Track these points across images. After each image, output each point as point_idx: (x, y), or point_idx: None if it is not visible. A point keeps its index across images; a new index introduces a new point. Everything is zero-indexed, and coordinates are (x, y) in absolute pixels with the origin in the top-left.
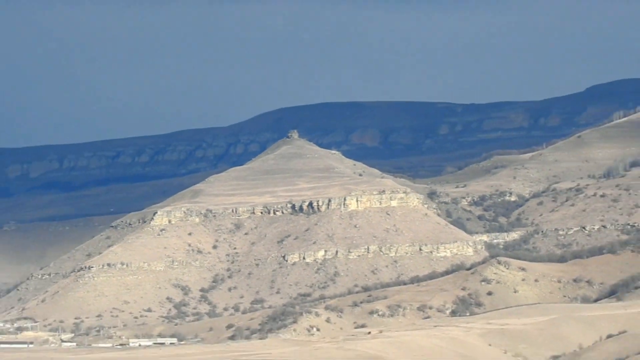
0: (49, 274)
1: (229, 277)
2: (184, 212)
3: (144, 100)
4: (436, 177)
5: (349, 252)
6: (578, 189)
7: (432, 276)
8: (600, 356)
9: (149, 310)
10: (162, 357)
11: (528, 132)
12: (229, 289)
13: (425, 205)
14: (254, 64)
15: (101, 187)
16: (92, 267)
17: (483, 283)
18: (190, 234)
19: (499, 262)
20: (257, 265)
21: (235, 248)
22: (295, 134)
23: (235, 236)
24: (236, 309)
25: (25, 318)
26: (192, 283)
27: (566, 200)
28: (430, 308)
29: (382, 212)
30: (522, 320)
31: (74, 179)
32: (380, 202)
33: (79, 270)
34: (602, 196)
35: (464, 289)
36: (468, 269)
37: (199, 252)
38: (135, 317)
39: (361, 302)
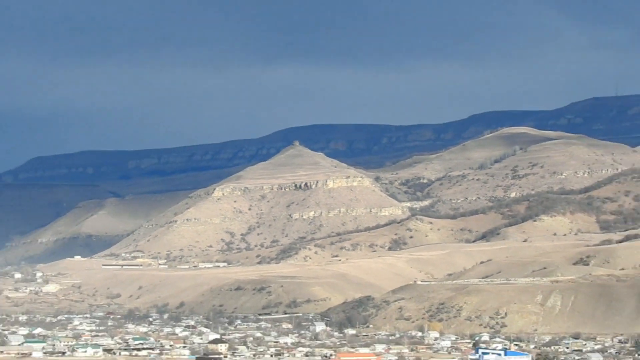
0: (152, 225)
1: (258, 227)
2: (232, 188)
3: (209, 123)
4: (380, 169)
5: (329, 212)
6: (463, 176)
7: (377, 227)
8: (476, 274)
9: (210, 246)
10: (218, 273)
11: (434, 142)
12: (258, 234)
13: (373, 185)
14: (272, 105)
15: (183, 174)
16: (177, 220)
17: (407, 231)
18: (235, 201)
19: (417, 219)
20: (274, 220)
21: (261, 210)
22: (297, 143)
23: (261, 203)
24: (262, 245)
25: (137, 251)
26: (236, 230)
27: (456, 182)
28: (376, 245)
29: (347, 188)
30: (430, 253)
31: (166, 169)
32: (347, 183)
33: (169, 223)
34: (477, 180)
35: (396, 234)
36: (398, 223)
37: (240, 212)
38: (202, 250)
39: (335, 242)
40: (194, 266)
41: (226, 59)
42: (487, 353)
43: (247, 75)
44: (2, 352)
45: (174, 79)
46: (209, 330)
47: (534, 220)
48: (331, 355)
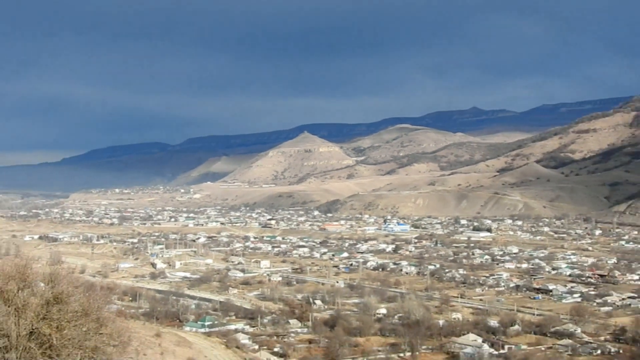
0: (242, 167)
1: (289, 168)
2: (276, 152)
3: (266, 124)
4: (343, 143)
5: (320, 162)
6: (380, 146)
7: (341, 168)
8: (385, 189)
9: (267, 177)
10: (272, 189)
11: (367, 130)
12: (288, 172)
13: (340, 150)
14: (296, 114)
15: (255, 145)
16: (252, 165)
17: (354, 170)
18: (278, 157)
19: (359, 165)
20: (296, 166)
21: (290, 161)
22: (306, 132)
23: (289, 158)
24: (290, 177)
25: (235, 179)
26: (279, 169)
27: (377, 149)
28: (341, 177)
29: (328, 152)
30: (365, 180)
31: (248, 143)
32: (328, 149)
33: (249, 167)
34: (386, 148)
35: (349, 172)
36: (351, 166)
37: (280, 162)
38: (264, 179)
39: (323, 175)
40: (260, 186)
41: (273, 94)
42: (390, 224)
43: (282, 102)
44: (175, 224)
45: (247, 104)
46: (267, 214)
47: (411, 165)
48: (321, 224)
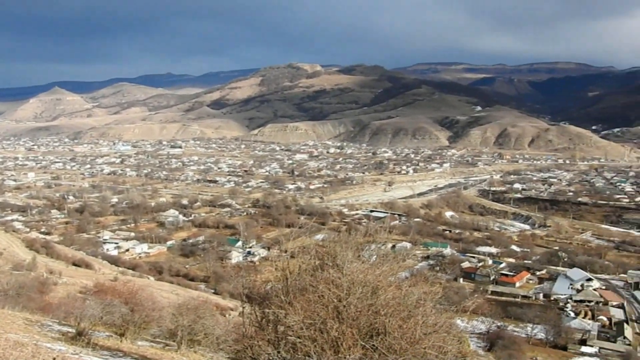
0: (10, 110)
1: (46, 111)
2: (36, 100)
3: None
4: (84, 94)
5: (68, 106)
6: (108, 96)
7: (83, 110)
8: (112, 124)
9: (30, 117)
10: (34, 125)
11: (99, 85)
12: (46, 113)
13: (81, 98)
14: (50, 74)
15: (8, 96)
16: (18, 109)
17: (92, 112)
18: (37, 104)
19: (95, 108)
20: (51, 109)
21: (46, 107)
22: (57, 87)
23: (45, 104)
24: (48, 117)
25: (4, 118)
26: (38, 112)
27: (107, 97)
28: (83, 116)
29: (73, 100)
30: (99, 118)
31: (12, 94)
32: (73, 98)
33: (15, 110)
34: (113, 97)
35: (89, 113)
36: (89, 109)
37: (39, 107)
38: (27, 118)
39: (71, 115)
40: (25, 123)
41: (36, 60)
42: (118, 145)
43: (41, 66)
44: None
45: (16, 67)
46: (31, 142)
47: (130, 108)
48: (70, 148)
